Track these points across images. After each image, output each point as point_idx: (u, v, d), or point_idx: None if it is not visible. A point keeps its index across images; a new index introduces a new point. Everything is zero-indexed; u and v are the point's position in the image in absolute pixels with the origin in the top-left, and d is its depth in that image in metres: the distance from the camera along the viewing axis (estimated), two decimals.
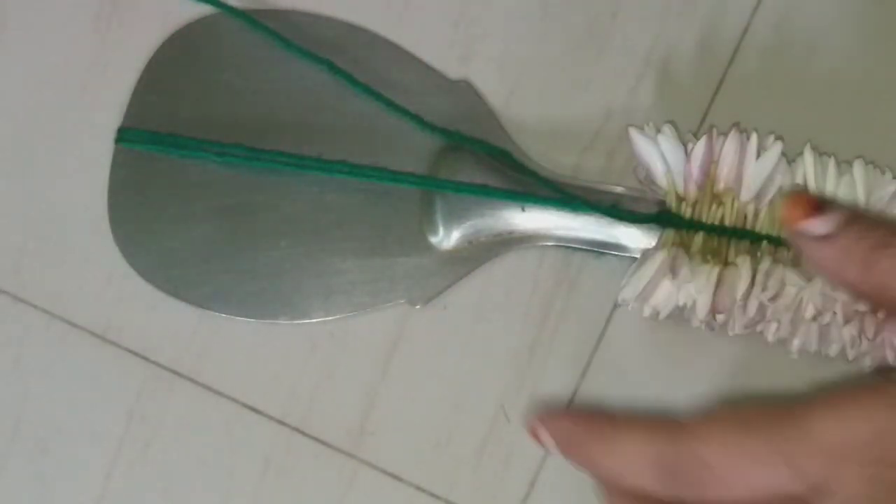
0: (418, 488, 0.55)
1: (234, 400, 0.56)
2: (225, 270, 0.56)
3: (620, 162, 0.56)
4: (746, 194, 0.53)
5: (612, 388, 0.54)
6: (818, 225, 0.46)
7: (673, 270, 0.52)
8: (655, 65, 0.56)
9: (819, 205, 0.47)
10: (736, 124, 0.53)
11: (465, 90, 0.57)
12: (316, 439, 0.55)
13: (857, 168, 0.52)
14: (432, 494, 0.55)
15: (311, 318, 0.56)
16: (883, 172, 0.53)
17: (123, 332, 0.56)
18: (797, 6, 0.56)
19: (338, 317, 0.56)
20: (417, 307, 0.55)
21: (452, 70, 0.57)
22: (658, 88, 0.56)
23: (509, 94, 0.57)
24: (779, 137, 0.53)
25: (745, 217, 0.53)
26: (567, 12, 0.57)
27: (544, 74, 0.57)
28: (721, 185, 0.53)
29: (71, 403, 0.56)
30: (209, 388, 0.56)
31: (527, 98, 0.57)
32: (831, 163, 0.53)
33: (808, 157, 0.53)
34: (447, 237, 0.55)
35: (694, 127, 0.56)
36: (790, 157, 0.53)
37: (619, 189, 0.55)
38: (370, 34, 0.57)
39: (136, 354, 0.56)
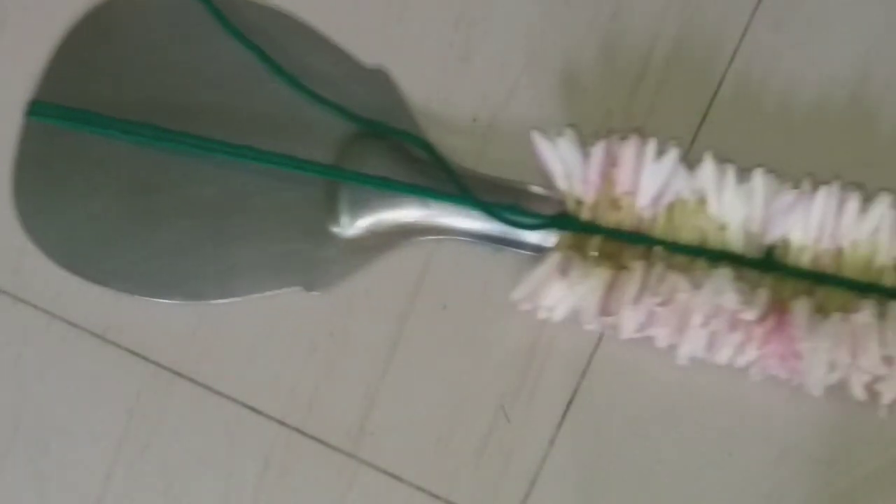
0: (418, 488, 0.55)
1: (234, 400, 0.56)
2: (125, 248, 0.56)
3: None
4: (643, 199, 0.53)
5: (613, 388, 0.54)
6: None
7: (564, 271, 0.52)
8: (655, 65, 0.56)
9: None
10: (637, 129, 0.53)
11: (381, 79, 0.57)
12: (316, 439, 0.55)
13: (757, 177, 0.52)
14: (432, 494, 0.55)
15: (206, 300, 0.56)
16: (784, 182, 0.52)
17: (123, 332, 0.56)
18: (797, 6, 0.56)
19: (233, 300, 0.56)
20: (316, 294, 0.55)
21: (452, 68, 0.57)
22: (658, 88, 0.56)
23: (509, 94, 0.57)
24: (675, 143, 0.52)
25: (642, 221, 0.53)
26: (567, 12, 0.57)
27: (544, 75, 0.57)
28: (619, 190, 0.53)
29: (71, 403, 0.56)
30: (209, 388, 0.56)
31: (526, 98, 0.57)
32: (731, 170, 0.52)
33: (708, 164, 0.52)
34: (350, 226, 0.56)
35: (693, 127, 0.56)
36: (693, 163, 0.53)
37: (536, 188, 0.55)
38: (290, 19, 0.58)
39: (136, 354, 0.56)
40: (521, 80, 0.57)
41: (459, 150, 0.56)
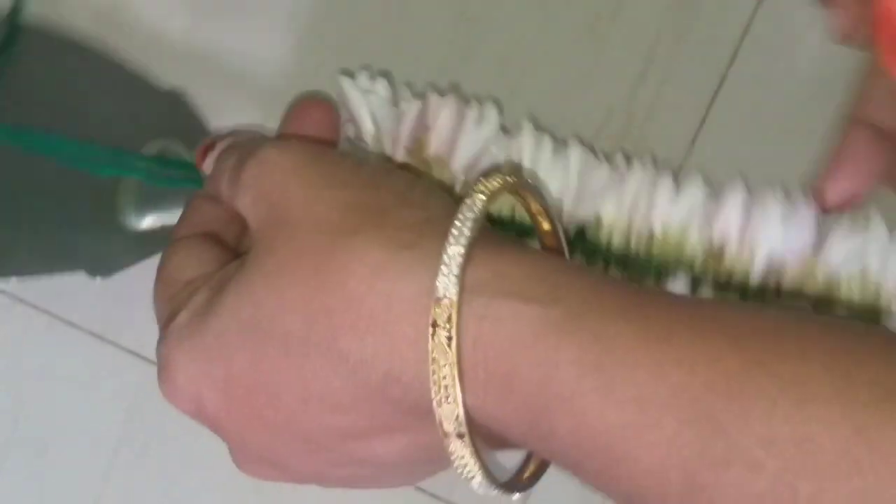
0: (418, 488, 0.55)
1: None
2: None
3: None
4: (458, 163, 0.52)
5: None
6: (207, 164, 0.50)
7: None
8: (656, 64, 0.56)
9: (209, 146, 0.50)
10: (454, 86, 0.52)
11: (177, 99, 0.57)
12: None
13: (574, 152, 0.51)
14: (432, 495, 0.55)
15: None
16: (600, 161, 0.51)
17: (123, 332, 0.56)
18: (797, 6, 0.56)
19: (12, 279, 0.56)
20: (98, 279, 0.55)
21: (452, 68, 0.57)
22: (659, 87, 0.56)
23: (510, 94, 0.57)
24: (498, 107, 0.51)
25: (454, 187, 0.52)
26: (568, 12, 0.57)
27: (545, 74, 0.57)
28: (431, 152, 0.51)
29: (70, 403, 0.56)
30: None
31: (527, 98, 0.57)
32: (547, 141, 0.51)
33: (527, 134, 0.51)
34: (139, 218, 0.55)
35: (694, 127, 0.56)
36: (512, 130, 0.52)
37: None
38: (87, 48, 0.57)
39: (135, 354, 0.56)
40: (522, 81, 0.57)
41: None
